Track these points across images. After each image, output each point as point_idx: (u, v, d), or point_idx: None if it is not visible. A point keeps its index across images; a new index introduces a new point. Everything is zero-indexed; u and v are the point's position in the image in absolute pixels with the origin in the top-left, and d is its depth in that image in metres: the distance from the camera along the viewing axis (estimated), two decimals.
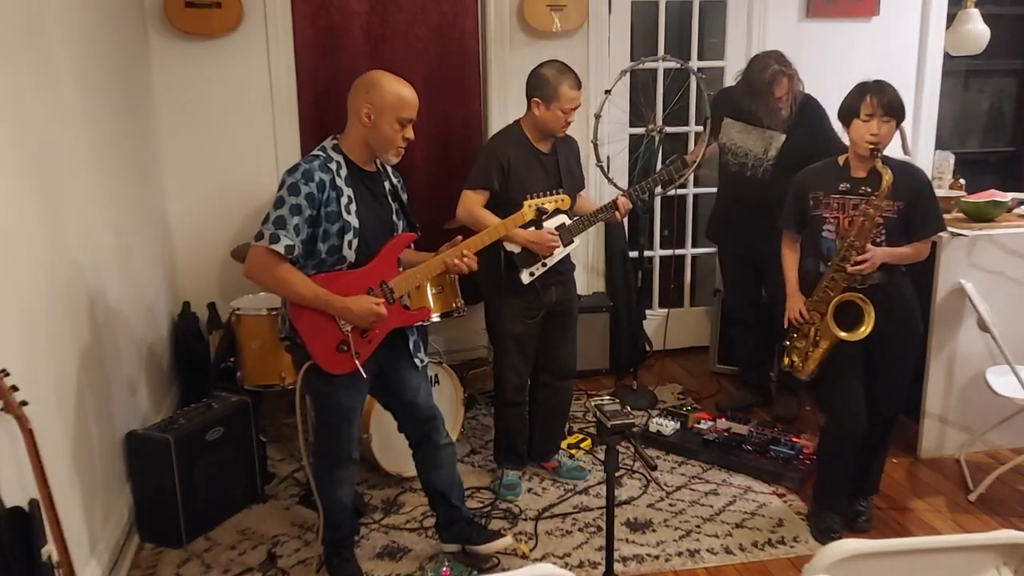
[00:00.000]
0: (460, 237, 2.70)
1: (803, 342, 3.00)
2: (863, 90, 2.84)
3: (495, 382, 3.41)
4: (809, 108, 3.74)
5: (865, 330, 2.85)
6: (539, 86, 3.09)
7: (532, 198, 2.80)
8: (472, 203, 3.13)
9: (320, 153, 2.51)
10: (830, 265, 2.89)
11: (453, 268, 2.64)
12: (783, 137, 3.71)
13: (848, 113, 2.87)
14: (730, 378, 4.49)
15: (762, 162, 3.78)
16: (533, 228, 3.05)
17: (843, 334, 2.87)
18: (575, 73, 3.10)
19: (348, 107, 2.52)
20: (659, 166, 3.81)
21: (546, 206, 2.79)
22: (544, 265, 3.17)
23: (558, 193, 2.87)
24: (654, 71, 4.63)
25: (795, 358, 3.03)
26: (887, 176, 2.76)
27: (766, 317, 3.92)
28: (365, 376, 2.55)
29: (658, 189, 3.93)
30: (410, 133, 2.53)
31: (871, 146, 2.80)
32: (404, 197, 2.71)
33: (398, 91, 2.49)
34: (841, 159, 2.97)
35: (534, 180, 3.11)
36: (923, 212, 2.88)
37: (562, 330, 3.35)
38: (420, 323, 2.75)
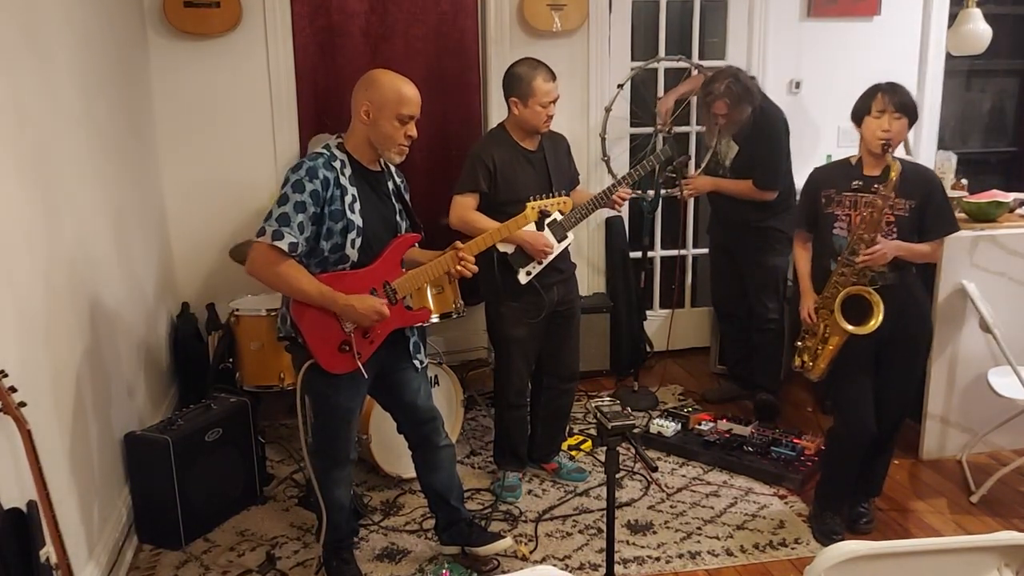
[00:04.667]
0: (459, 243, 2.67)
1: (813, 340, 2.98)
2: (875, 89, 2.86)
3: (496, 385, 3.40)
4: (760, 129, 3.74)
5: (874, 323, 2.81)
6: (514, 85, 3.09)
7: (536, 199, 2.78)
8: (463, 208, 3.11)
9: (324, 151, 2.50)
10: (839, 260, 2.87)
11: (454, 274, 2.62)
12: (736, 148, 3.85)
13: (860, 112, 2.88)
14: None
15: (725, 167, 3.94)
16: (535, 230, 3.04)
17: (850, 327, 2.83)
18: (548, 67, 3.10)
19: (351, 106, 2.51)
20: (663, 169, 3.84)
21: (548, 208, 2.77)
22: (540, 263, 3.15)
23: (556, 195, 2.85)
24: (654, 71, 4.62)
25: (805, 358, 3.00)
26: (896, 167, 2.75)
27: (750, 310, 4.01)
28: (366, 376, 2.55)
29: (663, 190, 3.97)
30: (413, 131, 2.50)
31: (882, 142, 2.80)
32: (407, 197, 2.70)
33: (397, 88, 2.48)
34: (853, 158, 2.97)
35: (523, 179, 3.11)
36: (935, 212, 2.87)
37: (566, 332, 3.34)
38: (420, 324, 2.74)
